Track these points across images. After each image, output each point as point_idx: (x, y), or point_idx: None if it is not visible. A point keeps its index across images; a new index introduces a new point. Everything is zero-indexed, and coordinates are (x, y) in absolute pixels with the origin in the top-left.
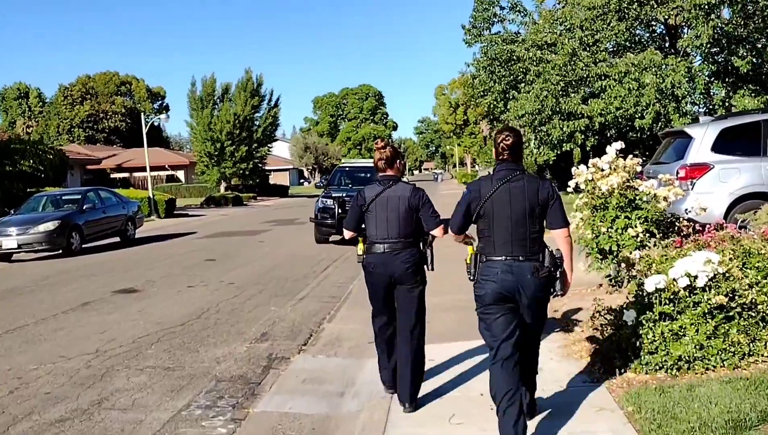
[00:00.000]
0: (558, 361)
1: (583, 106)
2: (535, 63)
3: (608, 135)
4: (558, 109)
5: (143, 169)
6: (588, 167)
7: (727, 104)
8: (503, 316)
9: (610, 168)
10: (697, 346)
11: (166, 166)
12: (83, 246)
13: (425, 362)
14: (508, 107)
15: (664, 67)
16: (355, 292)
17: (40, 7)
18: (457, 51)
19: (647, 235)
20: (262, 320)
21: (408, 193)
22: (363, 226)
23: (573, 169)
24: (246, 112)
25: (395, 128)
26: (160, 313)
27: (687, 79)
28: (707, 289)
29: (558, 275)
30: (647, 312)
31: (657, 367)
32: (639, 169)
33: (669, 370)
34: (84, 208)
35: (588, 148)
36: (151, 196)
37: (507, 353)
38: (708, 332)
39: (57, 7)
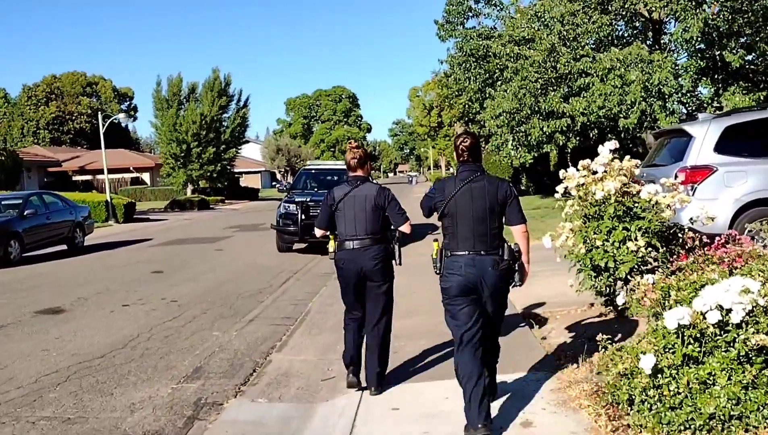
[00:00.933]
0: (553, 412)
1: (565, 104)
2: (512, 59)
3: (590, 136)
4: (537, 108)
5: (109, 171)
6: (578, 170)
7: (716, 102)
8: (467, 306)
9: (605, 171)
10: (733, 400)
11: (131, 169)
12: (24, 255)
13: (389, 352)
14: (485, 106)
15: (650, 62)
16: (314, 310)
17: (4, 4)
18: (431, 53)
19: (649, 249)
20: (199, 350)
21: (374, 192)
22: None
23: (561, 172)
24: (213, 112)
25: (369, 130)
26: (80, 341)
27: (673, 75)
28: (743, 325)
29: (516, 268)
30: (667, 354)
31: (682, 428)
32: (637, 171)
33: (698, 432)
34: (25, 213)
35: (568, 150)
36: (109, 200)
37: (471, 340)
38: (746, 381)
39: (22, 4)
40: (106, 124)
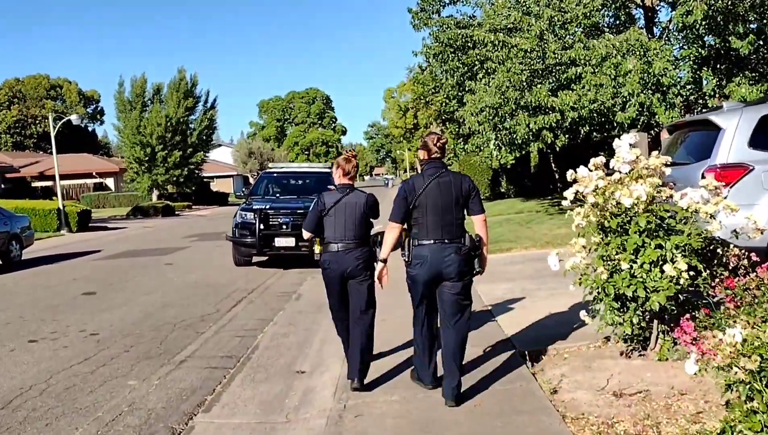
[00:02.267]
0: None
1: (553, 98)
2: (497, 47)
3: (581, 132)
4: (523, 103)
5: (69, 176)
6: (591, 170)
7: (719, 94)
8: (428, 294)
9: (630, 171)
10: None
11: (94, 174)
12: None
13: (374, 346)
14: (464, 102)
15: (647, 51)
16: (263, 344)
17: None
18: (406, 54)
19: (690, 273)
20: (102, 410)
21: (363, 200)
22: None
23: (570, 173)
24: (179, 114)
25: (344, 133)
26: None
27: (672, 65)
28: None
29: (477, 255)
30: None
31: None
32: (668, 171)
33: None
34: None
35: (549, 151)
36: (61, 208)
37: (426, 320)
38: None
39: None
40: (57, 127)
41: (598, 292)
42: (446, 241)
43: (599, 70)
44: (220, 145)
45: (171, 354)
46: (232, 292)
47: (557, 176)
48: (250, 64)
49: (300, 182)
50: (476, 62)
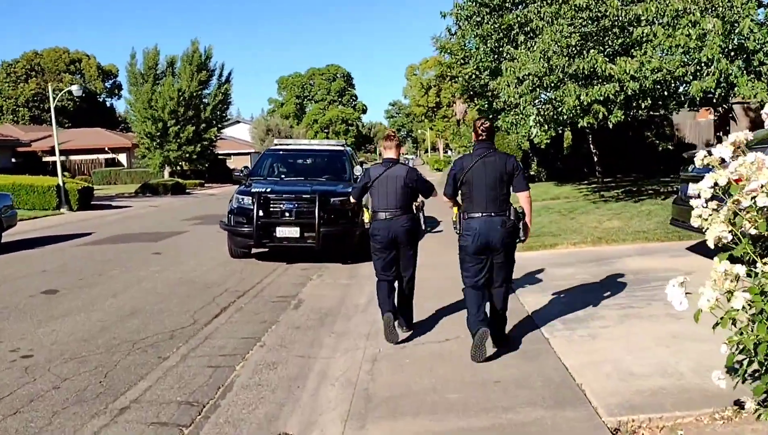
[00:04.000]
0: None
1: (611, 65)
2: (546, 3)
3: (637, 107)
4: (572, 72)
5: (82, 151)
6: (732, 153)
7: None
8: (478, 264)
9: None
10: None
11: (106, 149)
12: None
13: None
14: (501, 70)
15: (731, 7)
16: (239, 385)
17: None
18: (429, 32)
19: None
20: None
21: (404, 172)
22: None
23: (699, 156)
24: (192, 87)
25: (365, 111)
26: None
27: (757, 25)
28: None
29: (521, 226)
30: None
31: None
32: None
33: None
34: None
35: (610, 126)
36: (61, 185)
37: (476, 287)
38: None
39: None
40: (57, 98)
41: (748, 351)
42: (492, 214)
43: (671, 30)
44: (238, 122)
45: (112, 395)
46: (220, 294)
47: (595, 159)
48: (272, 40)
49: (309, 162)
50: (515, 25)
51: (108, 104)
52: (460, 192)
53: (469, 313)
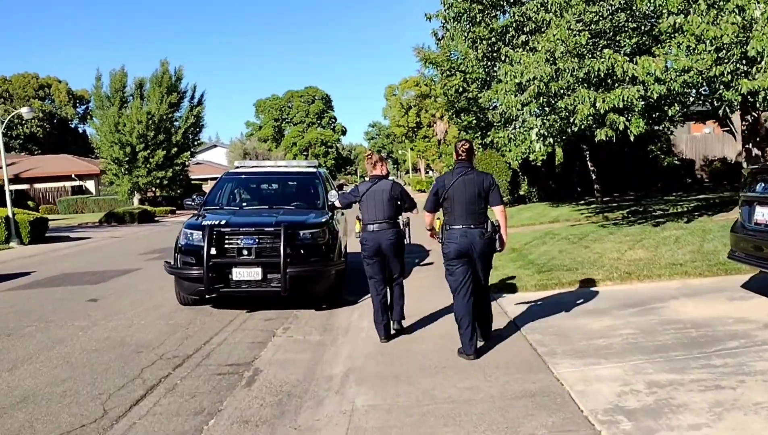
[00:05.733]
0: None
1: (633, 66)
2: None
3: (663, 114)
4: (582, 75)
5: (48, 178)
6: None
7: None
8: (462, 266)
9: None
10: None
11: (73, 176)
12: None
13: (404, 300)
14: (501, 73)
15: None
16: None
17: None
18: (408, 53)
19: None
20: None
21: (389, 186)
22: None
23: None
24: (162, 110)
25: (344, 133)
26: None
27: None
28: None
29: (497, 237)
30: None
31: None
32: None
33: None
34: None
35: (632, 137)
36: (11, 216)
37: (464, 291)
38: None
39: None
40: (6, 122)
41: None
42: (472, 226)
43: (721, 18)
44: (215, 146)
45: None
46: (151, 363)
47: (594, 177)
48: (250, 64)
49: (276, 187)
50: (513, 25)
51: (81, 130)
52: (442, 207)
53: (459, 318)
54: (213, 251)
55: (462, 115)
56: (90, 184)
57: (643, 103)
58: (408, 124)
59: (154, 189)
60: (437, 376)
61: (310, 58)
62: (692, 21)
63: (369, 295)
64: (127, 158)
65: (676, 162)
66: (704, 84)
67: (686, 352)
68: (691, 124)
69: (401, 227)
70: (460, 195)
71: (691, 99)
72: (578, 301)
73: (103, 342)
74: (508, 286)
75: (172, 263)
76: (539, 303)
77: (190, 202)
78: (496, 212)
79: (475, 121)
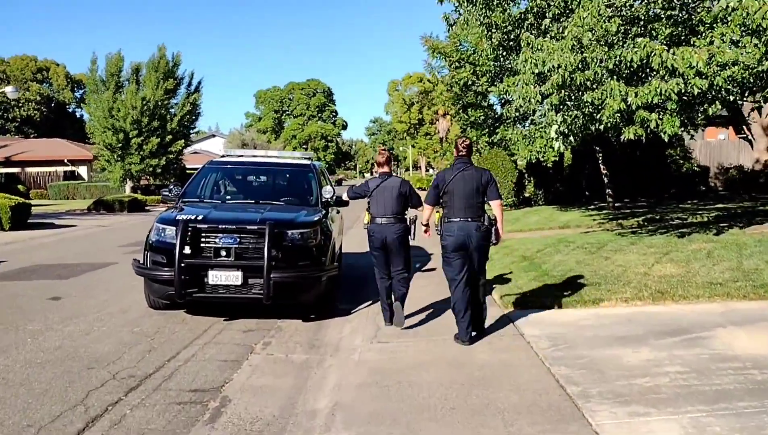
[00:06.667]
0: None
1: (672, 57)
2: None
3: (702, 113)
4: (612, 66)
5: (40, 163)
6: None
7: None
8: (459, 259)
9: None
10: None
11: (65, 161)
12: None
13: (407, 294)
14: (521, 60)
15: None
16: None
17: None
18: (412, 50)
19: None
20: None
21: (398, 184)
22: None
23: None
24: (158, 96)
25: (345, 127)
26: None
27: None
28: None
29: (493, 231)
30: None
31: None
32: None
33: None
34: None
35: (665, 138)
36: None
37: (461, 282)
38: None
39: None
40: None
41: None
42: (469, 219)
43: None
44: (214, 136)
45: None
46: (102, 383)
47: (606, 180)
48: (252, 54)
49: (264, 180)
50: (534, 10)
51: (78, 115)
52: (441, 200)
53: (455, 306)
54: (187, 250)
55: (469, 110)
56: (83, 170)
57: (677, 99)
58: (410, 121)
59: (147, 177)
60: (444, 420)
61: (313, 50)
62: (747, 4)
63: (364, 304)
64: (120, 144)
65: (696, 168)
66: (752, 80)
67: (757, 403)
68: (703, 130)
69: (408, 224)
70: (459, 189)
71: (731, 97)
72: (607, 324)
73: (52, 353)
74: (522, 302)
75: (141, 262)
76: (561, 324)
77: (166, 193)
78: (493, 207)
79: (482, 118)
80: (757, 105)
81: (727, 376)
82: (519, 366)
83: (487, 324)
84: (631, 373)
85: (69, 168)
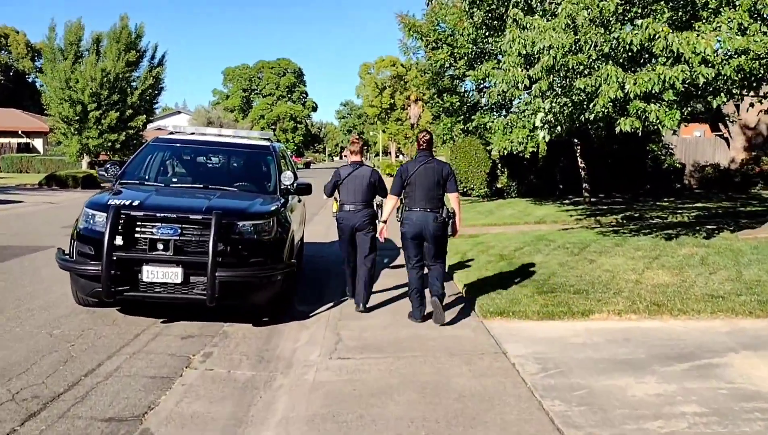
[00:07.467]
0: None
1: (676, 38)
2: None
3: (706, 104)
4: (608, 50)
5: None
6: None
7: None
8: (416, 247)
9: None
10: None
11: (20, 132)
12: None
13: (373, 282)
14: (507, 39)
15: None
16: None
17: None
18: (386, 32)
19: None
20: None
21: (368, 172)
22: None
23: None
24: (119, 68)
25: (315, 109)
26: None
27: None
28: None
29: (450, 223)
30: None
31: None
32: None
33: None
34: None
35: (664, 131)
36: None
37: (416, 266)
38: None
39: None
40: None
41: None
42: (428, 209)
43: None
44: (179, 112)
45: None
46: None
47: (583, 174)
48: (221, 30)
49: (218, 161)
50: None
51: (39, 85)
52: (404, 190)
53: (410, 287)
54: (119, 241)
55: (444, 95)
56: (38, 143)
57: (680, 89)
58: (381, 105)
59: (105, 152)
60: None
61: (284, 28)
62: None
63: (325, 305)
64: (77, 117)
65: (678, 165)
66: (762, 71)
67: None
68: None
69: (374, 209)
70: (421, 181)
71: (735, 90)
72: (601, 343)
73: None
74: (501, 310)
75: (66, 252)
76: (548, 341)
77: (102, 172)
78: (451, 199)
79: (458, 104)
80: (758, 99)
81: (755, 420)
82: (504, 396)
83: (464, 334)
84: (639, 412)
85: (23, 140)
